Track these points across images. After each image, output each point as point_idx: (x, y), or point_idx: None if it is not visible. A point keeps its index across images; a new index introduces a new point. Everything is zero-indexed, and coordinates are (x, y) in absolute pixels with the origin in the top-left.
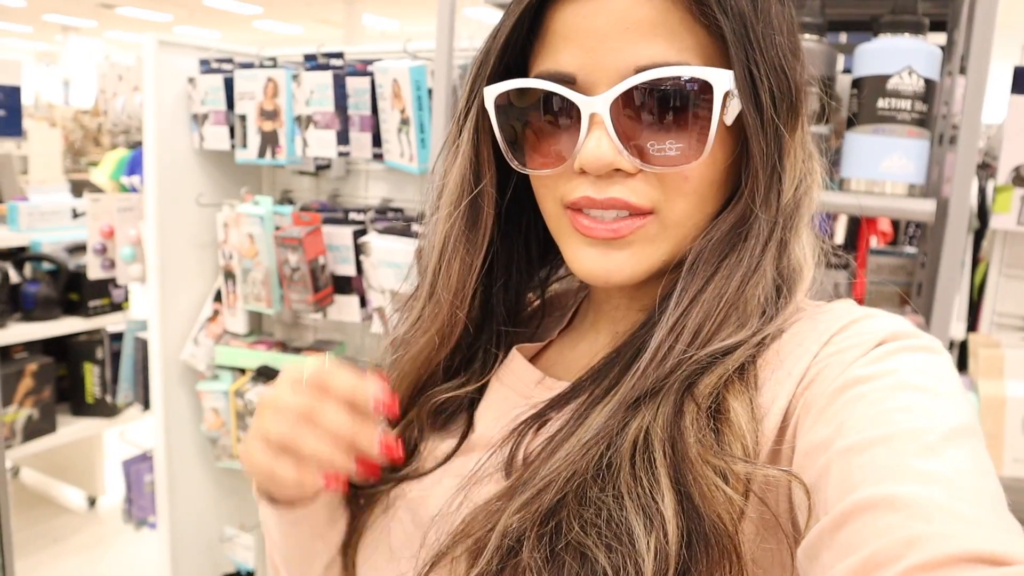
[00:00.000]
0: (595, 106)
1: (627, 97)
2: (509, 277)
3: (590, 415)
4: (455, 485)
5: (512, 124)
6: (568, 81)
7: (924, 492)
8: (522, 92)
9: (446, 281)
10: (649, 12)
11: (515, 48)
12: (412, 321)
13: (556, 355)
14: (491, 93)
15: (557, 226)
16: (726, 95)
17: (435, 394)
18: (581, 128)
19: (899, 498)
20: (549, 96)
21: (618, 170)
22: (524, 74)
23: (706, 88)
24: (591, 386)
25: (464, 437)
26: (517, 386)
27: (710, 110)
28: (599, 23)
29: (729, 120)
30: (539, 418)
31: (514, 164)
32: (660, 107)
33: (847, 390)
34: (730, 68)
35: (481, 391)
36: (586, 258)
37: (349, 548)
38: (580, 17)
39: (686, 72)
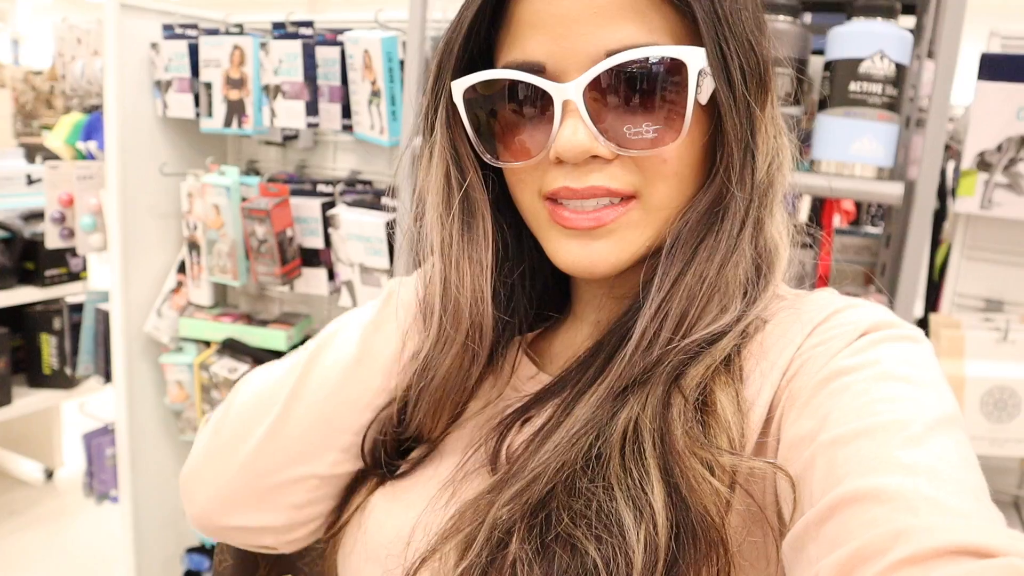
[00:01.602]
0: (568, 93)
1: (600, 82)
2: (524, 263)
3: (577, 406)
4: (437, 479)
5: (483, 117)
6: (538, 70)
7: (909, 483)
8: (491, 84)
9: (459, 285)
10: None
11: (478, 39)
12: (433, 342)
13: (546, 346)
14: (459, 87)
15: (535, 219)
16: (700, 73)
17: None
18: (555, 117)
19: (885, 490)
20: (519, 86)
21: (595, 157)
22: (490, 65)
23: (680, 67)
24: (575, 378)
25: (447, 427)
26: (514, 382)
27: (685, 89)
28: (566, 9)
29: (704, 99)
30: (523, 412)
31: (487, 158)
32: (634, 90)
33: (831, 382)
34: (700, 46)
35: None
36: (568, 250)
37: (329, 546)
38: (545, 4)
39: (659, 52)
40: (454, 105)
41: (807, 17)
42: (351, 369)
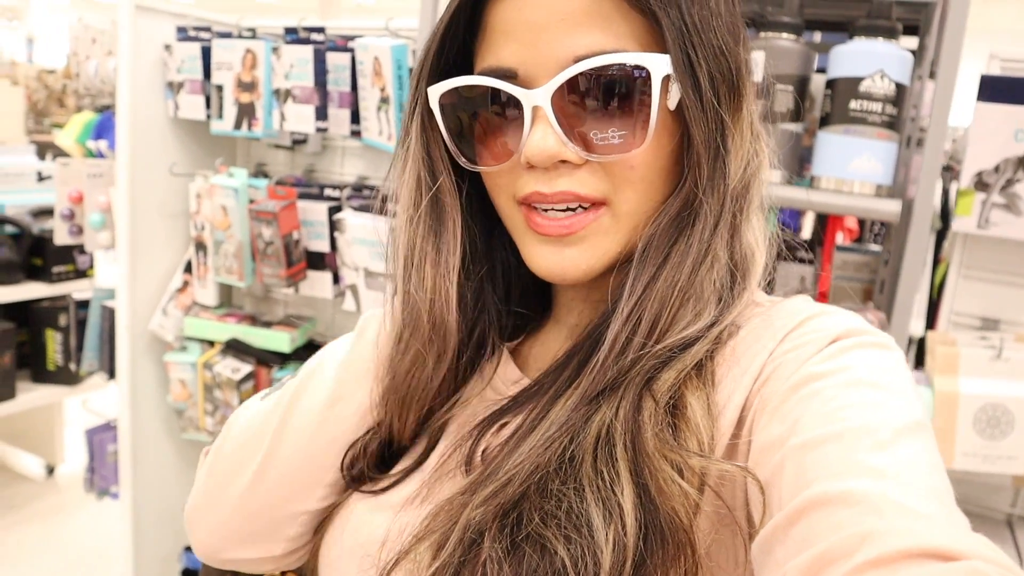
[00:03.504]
0: (536, 99)
1: (567, 87)
2: (493, 265)
3: (552, 410)
4: (416, 482)
5: (458, 122)
6: (509, 76)
7: (876, 487)
8: (465, 90)
9: (419, 287)
10: (583, 3)
11: (454, 46)
12: (394, 343)
13: (527, 352)
14: (434, 93)
15: (512, 223)
16: (665, 79)
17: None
18: (525, 122)
19: (852, 494)
20: (492, 92)
21: (564, 162)
22: (468, 72)
23: (644, 73)
24: (551, 382)
25: (436, 438)
26: (498, 386)
27: (650, 95)
28: (536, 16)
29: (672, 105)
30: (499, 416)
31: (462, 162)
32: (601, 95)
33: (801, 387)
34: (667, 53)
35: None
36: (541, 256)
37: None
38: (517, 11)
39: (622, 59)
40: (430, 110)
41: (817, 36)
42: (327, 410)
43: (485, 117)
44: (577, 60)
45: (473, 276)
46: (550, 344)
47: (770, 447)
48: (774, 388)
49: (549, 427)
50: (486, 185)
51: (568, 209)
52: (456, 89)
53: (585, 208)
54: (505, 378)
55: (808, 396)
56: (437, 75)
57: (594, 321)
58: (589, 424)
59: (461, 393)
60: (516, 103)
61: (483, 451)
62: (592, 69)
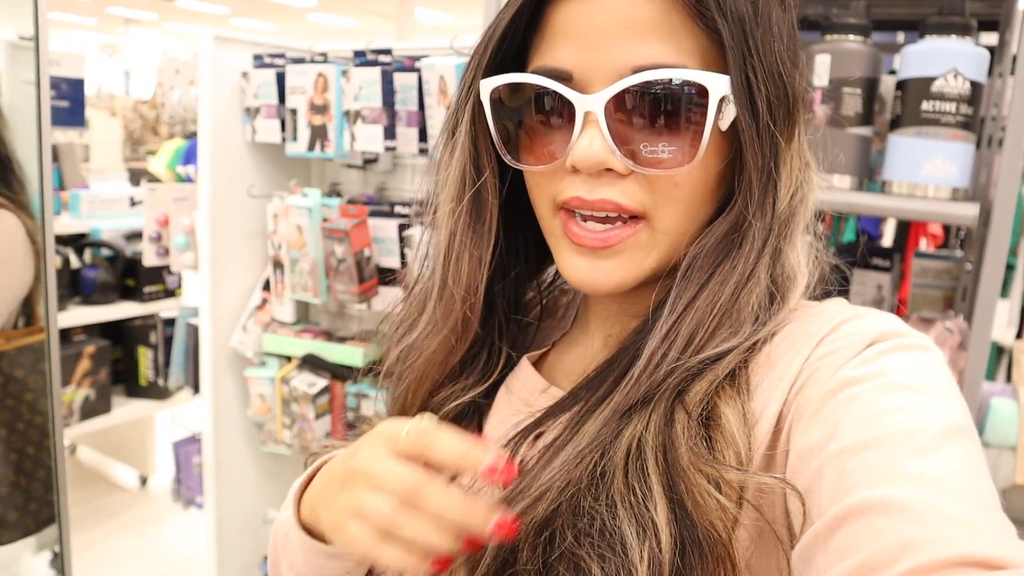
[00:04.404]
0: (590, 104)
1: (622, 97)
2: (510, 269)
3: (585, 424)
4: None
5: (507, 118)
6: (565, 78)
7: (917, 494)
8: (518, 87)
9: (456, 277)
10: (649, 12)
11: (513, 42)
12: (425, 323)
13: (556, 361)
14: (487, 86)
15: (549, 227)
16: (721, 100)
17: (443, 402)
18: (575, 126)
19: (893, 501)
20: (544, 92)
21: (609, 170)
22: (522, 69)
23: (702, 92)
24: (586, 395)
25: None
26: (523, 395)
27: (704, 114)
28: (599, 20)
29: (724, 125)
30: (535, 427)
31: (508, 159)
32: (655, 109)
33: (839, 392)
34: (727, 73)
35: (488, 395)
36: (576, 266)
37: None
38: (580, 14)
39: (682, 75)
40: (480, 104)
41: (900, 36)
42: None
43: (535, 116)
44: (635, 70)
45: (494, 274)
46: (580, 354)
47: (808, 453)
48: (811, 394)
49: (580, 441)
50: (527, 184)
51: (607, 219)
52: (508, 85)
53: (624, 221)
54: (531, 387)
55: (846, 401)
56: (491, 70)
57: (631, 335)
58: (619, 439)
59: (490, 403)
60: (568, 105)
61: (519, 463)
62: (650, 82)
